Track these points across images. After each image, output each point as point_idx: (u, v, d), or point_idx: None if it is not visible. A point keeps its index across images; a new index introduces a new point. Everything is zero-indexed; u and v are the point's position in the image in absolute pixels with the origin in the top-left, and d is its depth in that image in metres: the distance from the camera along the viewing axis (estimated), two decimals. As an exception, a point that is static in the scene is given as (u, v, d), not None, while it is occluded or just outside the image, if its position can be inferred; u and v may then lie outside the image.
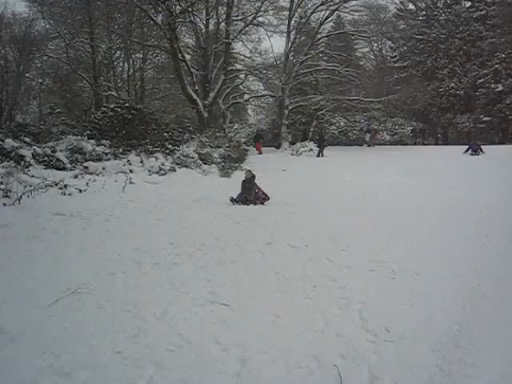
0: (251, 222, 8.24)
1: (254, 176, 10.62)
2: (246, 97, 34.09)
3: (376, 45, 44.09)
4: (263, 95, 34.08)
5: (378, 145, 30.59)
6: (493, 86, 32.74)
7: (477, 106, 34.36)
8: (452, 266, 5.35)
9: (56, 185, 9.53)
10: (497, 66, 32.84)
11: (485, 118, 33.00)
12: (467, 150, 21.76)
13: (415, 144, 33.40)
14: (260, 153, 25.86)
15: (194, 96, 24.08)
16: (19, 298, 4.33)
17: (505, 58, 32.57)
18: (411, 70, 38.76)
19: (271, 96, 32.57)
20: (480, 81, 34.03)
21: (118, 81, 32.44)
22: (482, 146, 21.87)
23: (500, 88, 32.14)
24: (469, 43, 36.54)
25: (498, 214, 8.57)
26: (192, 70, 25.47)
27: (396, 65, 40.81)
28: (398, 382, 3.00)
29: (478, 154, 21.16)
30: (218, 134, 20.63)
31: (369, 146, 29.84)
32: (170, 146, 16.21)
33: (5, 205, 7.90)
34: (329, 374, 3.10)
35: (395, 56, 42.24)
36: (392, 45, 43.38)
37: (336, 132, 31.77)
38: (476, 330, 3.69)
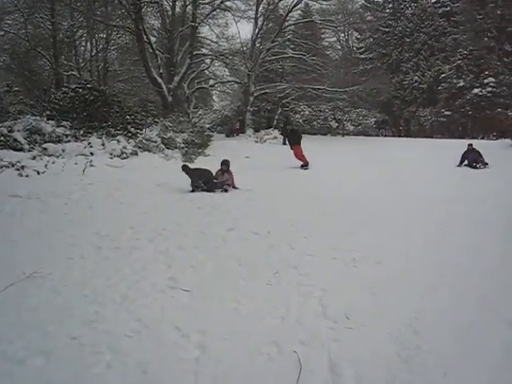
0: (213, 208, 8.18)
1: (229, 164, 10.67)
2: (212, 82, 33.81)
3: (343, 35, 44.43)
4: (229, 81, 33.83)
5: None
6: (455, 81, 33.53)
7: (439, 100, 35.14)
8: (413, 255, 5.45)
9: (12, 166, 9.23)
10: (459, 61, 33.62)
11: (446, 113, 33.80)
12: (462, 162, 15.14)
13: (378, 135, 33.96)
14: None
15: (159, 79, 23.64)
16: (-30, 282, 4.17)
17: (467, 55, 33.38)
18: (376, 61, 39.34)
19: (237, 82, 32.39)
20: (443, 75, 34.79)
21: (80, 61, 31.50)
22: (481, 153, 15.04)
23: (461, 83, 32.96)
24: (433, 38, 37.28)
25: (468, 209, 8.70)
26: (157, 52, 25.00)
27: (362, 56, 41.26)
28: (356, 368, 3.04)
29: (479, 168, 14.46)
30: (181, 119, 20.35)
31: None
32: (132, 129, 15.89)
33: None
34: (289, 360, 3.12)
35: (361, 47, 42.67)
36: (358, 36, 43.78)
37: (301, 121, 31.90)
38: (433, 317, 3.78)
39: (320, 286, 4.37)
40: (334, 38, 44.07)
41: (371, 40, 41.63)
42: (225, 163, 10.64)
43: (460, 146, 16.09)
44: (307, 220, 7.30)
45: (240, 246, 5.79)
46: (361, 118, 32.92)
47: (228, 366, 3.06)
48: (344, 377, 2.95)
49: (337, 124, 31.43)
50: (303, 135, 16.32)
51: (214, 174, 10.29)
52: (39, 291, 4.11)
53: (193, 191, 9.80)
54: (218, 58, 30.11)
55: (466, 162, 15.06)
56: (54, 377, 2.88)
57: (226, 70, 33.95)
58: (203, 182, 9.93)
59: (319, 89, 30.98)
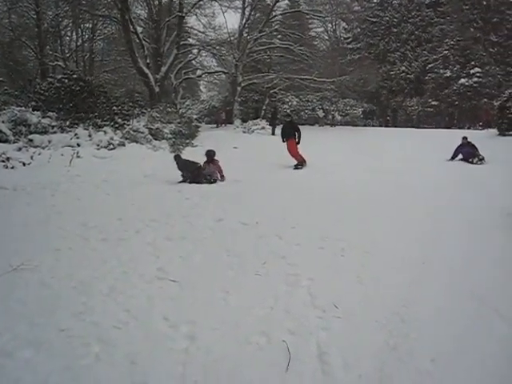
0: (202, 198, 8.16)
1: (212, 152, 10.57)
2: (199, 72, 33.67)
3: (330, 25, 44.35)
4: (216, 71, 33.75)
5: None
6: (441, 71, 33.79)
7: (426, 91, 35.40)
8: (401, 245, 5.50)
9: (-3, 157, 9.10)
10: (446, 52, 33.86)
11: (433, 103, 34.09)
12: (455, 157, 14.08)
13: (365, 125, 34.07)
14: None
15: (146, 70, 23.46)
16: (-44, 275, 4.13)
17: (453, 45, 33.61)
18: (364, 52, 39.42)
19: (224, 73, 32.31)
20: (430, 66, 35.04)
21: (66, 51, 31.16)
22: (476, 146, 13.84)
23: (448, 74, 33.22)
24: (420, 28, 37.46)
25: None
26: (144, 42, 24.79)
27: (349, 46, 41.33)
28: (345, 356, 3.07)
29: (476, 163, 13.27)
30: (169, 110, 20.24)
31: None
32: (119, 120, 15.76)
33: None
34: (278, 349, 3.14)
35: (349, 37, 42.71)
36: (346, 26, 43.78)
37: (288, 111, 31.88)
38: (421, 306, 3.82)
39: (308, 275, 4.40)
40: (322, 28, 44.00)
41: (358, 30, 41.69)
42: (209, 154, 10.54)
43: (448, 135, 16.15)
44: (296, 210, 7.32)
45: (228, 236, 5.79)
46: (348, 108, 32.97)
47: (217, 355, 3.07)
48: (333, 365, 2.98)
49: (324, 114, 31.46)
50: None
51: (201, 166, 10.24)
52: (27, 283, 4.08)
53: (182, 182, 9.77)
54: (206, 48, 29.99)
55: (460, 156, 13.98)
56: (43, 368, 2.87)
57: (214, 60, 33.90)
58: (190, 172, 9.89)
59: (307, 79, 31.01)
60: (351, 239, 5.61)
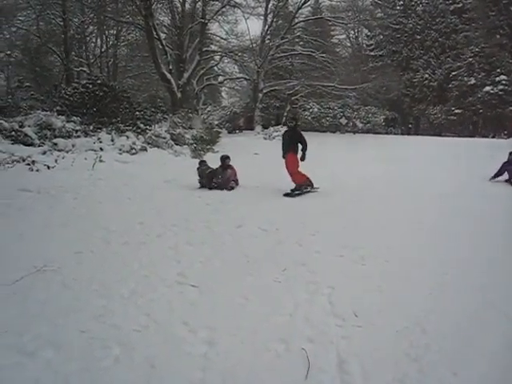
0: (221, 204, 8.20)
1: (227, 158, 10.55)
2: (221, 79, 33.85)
3: (353, 32, 44.26)
4: (238, 78, 33.92)
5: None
6: (466, 79, 33.32)
7: (449, 98, 34.93)
8: (420, 254, 5.43)
9: (23, 160, 9.29)
10: (470, 59, 33.40)
11: (456, 111, 33.60)
12: (499, 175, 11.80)
13: (387, 133, 33.77)
14: None
15: (168, 75, 23.72)
16: (-19, 275, 4.21)
17: (478, 52, 33.13)
18: (386, 59, 39.16)
19: (246, 79, 32.44)
20: (453, 73, 34.59)
21: (90, 57, 31.67)
22: None
23: (472, 81, 32.74)
24: (444, 35, 37.04)
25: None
26: (167, 48, 25.09)
27: (372, 53, 41.10)
28: (364, 366, 3.03)
29: None
30: (190, 115, 20.41)
31: None
32: (141, 125, 15.95)
33: (-33, 179, 7.62)
34: (297, 357, 3.11)
35: (371, 44, 42.48)
36: (368, 33, 43.59)
37: (309, 118, 31.78)
38: (442, 316, 3.76)
39: (328, 283, 4.36)
40: (344, 35, 43.96)
41: (381, 37, 41.44)
42: (223, 159, 10.53)
43: (474, 145, 15.73)
44: (315, 217, 7.29)
45: (248, 242, 5.79)
46: (370, 115, 32.70)
47: (235, 361, 3.06)
48: (352, 374, 2.94)
49: (346, 121, 31.29)
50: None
51: (214, 170, 10.23)
52: (48, 285, 4.14)
53: (202, 187, 9.81)
54: (228, 54, 30.17)
55: (505, 175, 11.62)
56: (63, 369, 2.90)
57: (236, 66, 34.06)
58: (205, 178, 9.92)
59: (328, 86, 30.93)
60: (371, 248, 5.55)
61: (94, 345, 3.19)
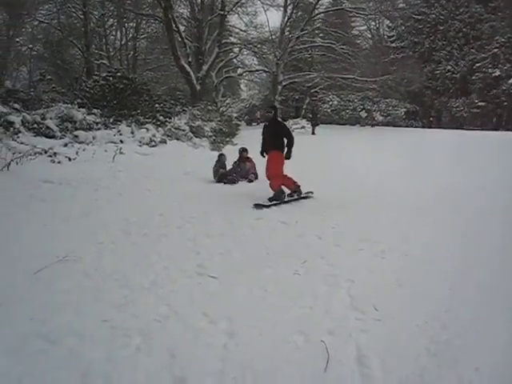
0: (241, 196, 8.21)
1: (244, 151, 10.58)
2: (240, 71, 33.82)
3: (373, 23, 43.75)
4: (257, 70, 33.79)
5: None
6: (490, 70, 32.67)
7: (472, 91, 34.33)
8: (442, 247, 5.37)
9: (45, 152, 9.40)
10: (495, 50, 32.71)
11: (480, 103, 32.99)
12: None
13: (407, 126, 33.37)
14: None
15: (187, 68, 23.78)
16: (5, 265, 4.30)
17: (504, 43, 32.42)
18: (408, 50, 38.59)
19: (265, 71, 32.29)
20: (477, 65, 33.94)
21: (110, 50, 31.92)
22: None
23: (497, 73, 32.10)
24: (468, 26, 36.29)
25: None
26: (186, 41, 25.13)
27: (393, 45, 40.54)
28: (384, 360, 3.01)
29: None
30: (210, 108, 20.47)
31: None
32: (161, 117, 16.03)
33: (-8, 170, 7.76)
34: (316, 349, 3.11)
35: (392, 36, 41.92)
36: (390, 24, 42.99)
37: (329, 110, 31.61)
38: (462, 311, 3.71)
39: (348, 276, 4.34)
40: (365, 27, 43.51)
41: (403, 28, 40.85)
42: (245, 151, 10.59)
43: (500, 138, 15.20)
44: (335, 210, 7.25)
45: (267, 235, 5.79)
46: (390, 108, 32.44)
47: (255, 353, 3.07)
48: (372, 368, 2.93)
49: (366, 114, 31.01)
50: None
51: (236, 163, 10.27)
52: (70, 274, 4.20)
53: (220, 181, 9.83)
54: (247, 46, 30.09)
55: None
56: (86, 356, 2.95)
57: (255, 58, 33.93)
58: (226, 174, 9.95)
59: (348, 78, 30.65)
60: (391, 241, 5.51)
61: (116, 334, 3.23)
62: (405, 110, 33.58)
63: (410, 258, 4.95)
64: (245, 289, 4.05)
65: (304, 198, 8.12)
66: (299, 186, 8.12)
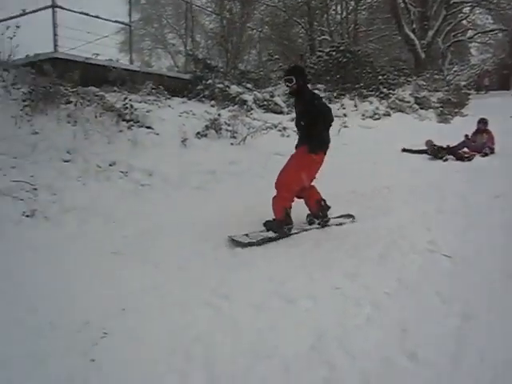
0: (475, 171, 7.58)
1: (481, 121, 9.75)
2: (470, 33, 30.68)
3: None
4: (491, 30, 30.06)
5: None
6: None
7: None
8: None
9: (275, 127, 10.05)
10: None
11: None
12: None
13: None
14: None
15: (412, 35, 22.69)
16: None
17: None
18: None
19: (502, 30, 28.55)
20: None
21: (331, 25, 32.31)
22: None
23: None
24: None
25: None
26: (409, 6, 23.90)
27: None
28: None
29: None
30: (436, 77, 19.22)
31: None
32: (384, 89, 15.63)
33: (232, 144, 8.68)
34: None
35: None
36: None
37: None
38: None
39: None
40: None
41: None
42: (483, 121, 9.74)
43: None
44: None
45: (509, 215, 5.20)
46: None
47: (493, 341, 2.81)
48: None
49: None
50: None
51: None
52: (305, 240, 4.54)
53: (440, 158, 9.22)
54: (481, 3, 26.93)
55: None
56: (319, 318, 3.11)
57: (489, 17, 30.22)
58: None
59: None
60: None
61: (347, 301, 3.33)
62: None
63: None
64: (482, 270, 3.74)
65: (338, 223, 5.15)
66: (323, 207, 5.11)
